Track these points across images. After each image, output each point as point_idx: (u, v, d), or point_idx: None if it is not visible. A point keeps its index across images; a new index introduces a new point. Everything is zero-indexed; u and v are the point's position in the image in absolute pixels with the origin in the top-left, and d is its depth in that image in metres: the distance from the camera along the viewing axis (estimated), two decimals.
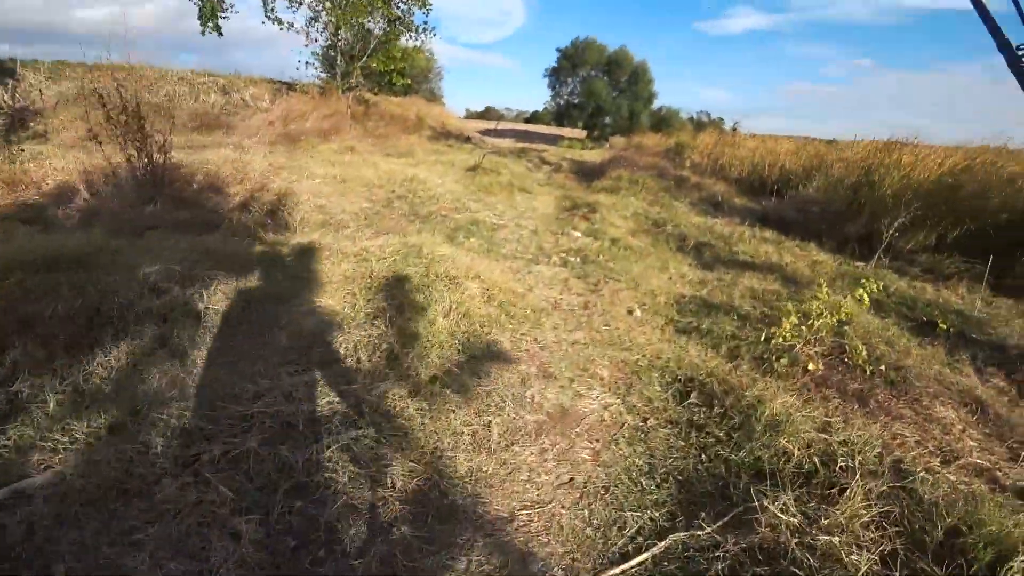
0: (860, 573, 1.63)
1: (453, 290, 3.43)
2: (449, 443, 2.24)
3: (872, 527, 1.81)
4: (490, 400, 2.55)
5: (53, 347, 2.41)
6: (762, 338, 3.21)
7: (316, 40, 13.99)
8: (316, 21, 13.81)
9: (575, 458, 2.27)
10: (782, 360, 3.00)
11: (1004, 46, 1.30)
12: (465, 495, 1.99)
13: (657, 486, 2.12)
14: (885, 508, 1.87)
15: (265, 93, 13.94)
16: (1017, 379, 3.62)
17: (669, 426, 2.52)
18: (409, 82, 18.49)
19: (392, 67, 14.92)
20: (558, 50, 32.47)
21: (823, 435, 2.31)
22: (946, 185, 6.99)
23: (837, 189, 9.43)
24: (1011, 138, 8.40)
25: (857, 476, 1.99)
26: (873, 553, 1.70)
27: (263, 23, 14.05)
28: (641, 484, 2.13)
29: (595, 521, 1.94)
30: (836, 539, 1.72)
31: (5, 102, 9.73)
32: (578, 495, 2.06)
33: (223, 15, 13.39)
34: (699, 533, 1.84)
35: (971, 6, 1.38)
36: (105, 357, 2.42)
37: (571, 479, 2.14)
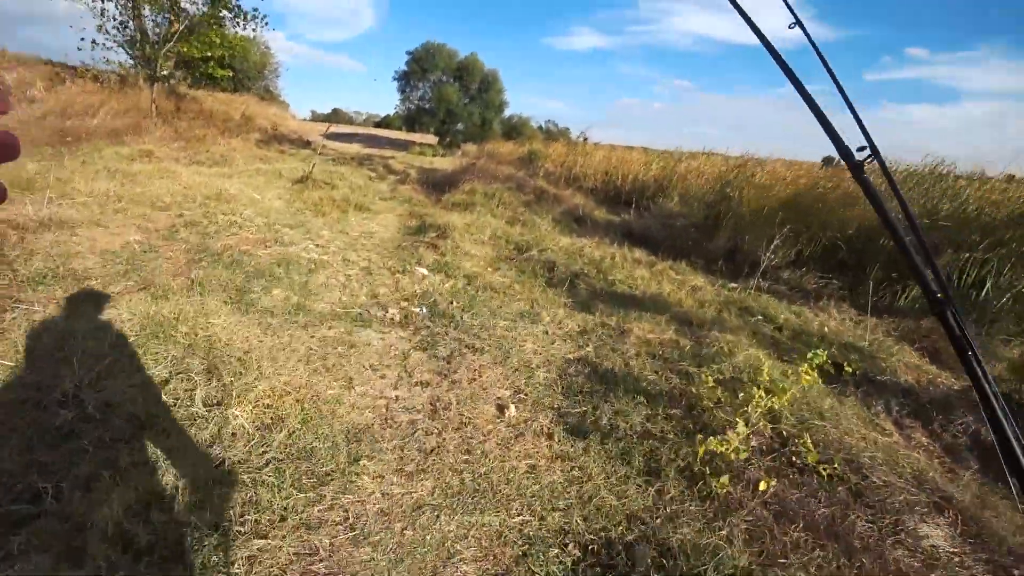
0: None
1: (206, 421, 1.93)
2: None
3: None
4: None
5: None
6: (695, 450, 2.21)
7: (112, 16, 10.76)
8: None
9: None
10: (722, 480, 2.03)
11: (845, 155, 0.79)
12: None
13: None
14: None
15: (38, 78, 10.48)
16: (935, 431, 3.19)
17: None
18: (230, 73, 15.54)
19: (210, 53, 12.14)
20: (408, 53, 30.76)
21: None
22: (800, 201, 7.04)
23: (697, 204, 9.42)
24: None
25: None
26: None
27: None
28: None
29: None
30: None
31: None
32: None
33: None
34: None
35: (767, 52, 0.88)
36: None
37: None
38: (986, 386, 0.59)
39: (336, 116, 63.98)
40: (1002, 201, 5.87)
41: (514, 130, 32.51)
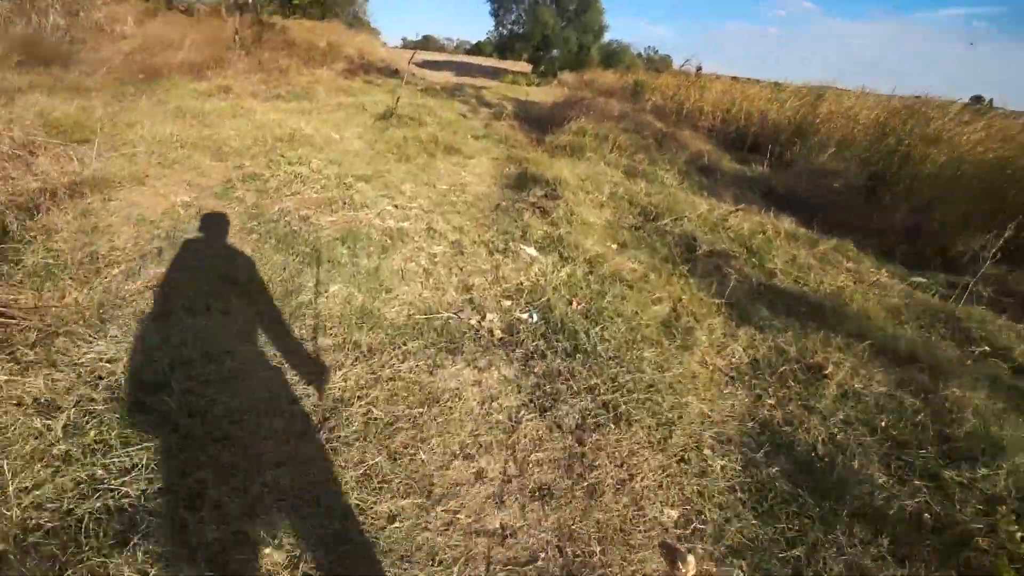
0: None
1: None
2: None
3: None
4: None
5: None
6: None
7: None
8: None
9: None
10: None
11: None
12: None
13: None
14: None
15: (128, 14, 10.16)
16: None
17: None
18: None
19: None
20: None
21: None
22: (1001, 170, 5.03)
23: (856, 161, 7.38)
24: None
25: None
26: None
27: None
28: None
29: None
30: None
31: None
32: None
33: None
34: None
35: None
36: None
37: None
38: None
39: (427, 43, 62.12)
40: None
41: (613, 57, 29.55)
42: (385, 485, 1.54)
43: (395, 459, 1.65)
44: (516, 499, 1.57)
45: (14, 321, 1.93)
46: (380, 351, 2.18)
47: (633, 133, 7.63)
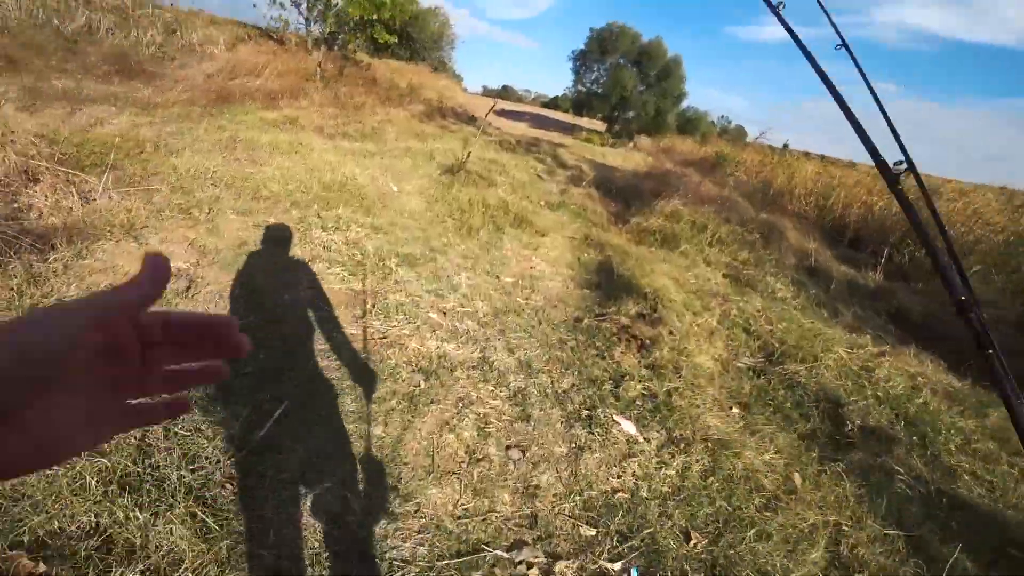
0: None
1: None
2: None
3: None
4: None
5: None
6: None
7: None
8: None
9: None
10: None
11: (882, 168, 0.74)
12: None
13: None
14: None
15: (222, 37, 10.24)
16: None
17: None
18: (395, 39, 14.47)
19: (375, 16, 10.65)
20: (591, 29, 28.26)
21: None
22: None
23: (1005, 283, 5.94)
24: None
25: None
26: None
27: None
28: None
29: None
30: None
31: None
32: None
33: None
34: None
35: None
36: None
37: None
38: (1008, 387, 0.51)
39: (506, 93, 63.73)
40: None
41: (689, 124, 28.86)
42: None
43: None
44: None
45: None
46: None
47: (734, 224, 6.48)
